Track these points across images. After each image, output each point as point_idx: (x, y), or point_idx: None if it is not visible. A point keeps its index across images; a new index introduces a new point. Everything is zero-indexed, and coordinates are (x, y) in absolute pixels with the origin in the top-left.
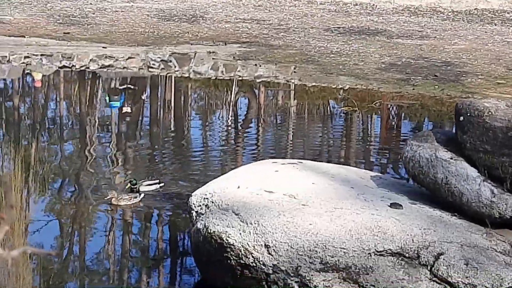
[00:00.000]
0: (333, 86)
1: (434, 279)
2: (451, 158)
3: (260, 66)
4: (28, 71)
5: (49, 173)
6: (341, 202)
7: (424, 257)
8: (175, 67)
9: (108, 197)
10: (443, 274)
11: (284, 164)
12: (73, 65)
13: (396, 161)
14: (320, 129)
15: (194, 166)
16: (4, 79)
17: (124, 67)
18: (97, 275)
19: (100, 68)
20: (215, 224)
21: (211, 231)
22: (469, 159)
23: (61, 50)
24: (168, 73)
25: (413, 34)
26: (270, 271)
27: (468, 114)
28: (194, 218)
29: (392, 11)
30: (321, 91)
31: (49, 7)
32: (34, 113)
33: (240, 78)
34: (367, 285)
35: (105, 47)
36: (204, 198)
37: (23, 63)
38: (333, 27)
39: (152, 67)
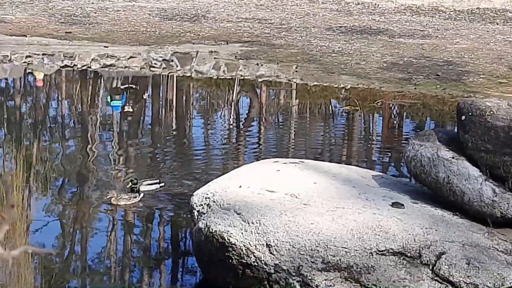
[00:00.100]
0: (335, 86)
1: (435, 278)
2: (453, 158)
3: (261, 65)
4: (30, 71)
5: (51, 172)
6: (343, 201)
7: (425, 257)
8: (177, 66)
9: (107, 196)
10: (444, 273)
11: (285, 163)
12: (74, 65)
13: (397, 160)
14: (321, 128)
15: (195, 165)
16: (6, 79)
17: (126, 67)
18: (98, 275)
19: (102, 67)
20: (216, 223)
21: (213, 231)
22: (471, 158)
23: (62, 49)
24: (170, 73)
25: (415, 33)
26: (272, 271)
27: (470, 114)
28: (196, 217)
29: (394, 10)
30: (322, 90)
31: (51, 6)
32: (35, 112)
33: (242, 78)
34: (368, 284)
35: (107, 47)
36: (205, 198)
37: (25, 62)
38: (335, 27)
39: (154, 67)
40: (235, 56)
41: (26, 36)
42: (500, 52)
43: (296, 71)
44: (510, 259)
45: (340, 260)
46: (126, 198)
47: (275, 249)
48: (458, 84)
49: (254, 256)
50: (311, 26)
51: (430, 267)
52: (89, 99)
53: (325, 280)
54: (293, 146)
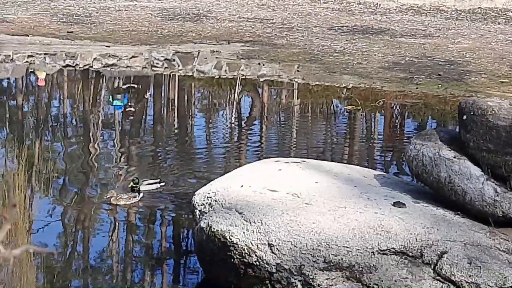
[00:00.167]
0: (337, 85)
1: (437, 278)
2: (455, 157)
3: (263, 65)
4: (32, 70)
5: (52, 172)
6: (345, 201)
7: (427, 256)
8: (178, 66)
9: (107, 196)
10: (446, 273)
11: (287, 163)
12: (76, 64)
13: (399, 160)
14: (323, 128)
15: (197, 164)
16: (8, 78)
17: (127, 66)
18: (100, 274)
19: (104, 67)
20: (218, 223)
21: (215, 230)
22: (473, 158)
23: (64, 49)
24: (171, 72)
25: (416, 33)
26: (274, 270)
27: (472, 113)
28: (198, 217)
29: (395, 10)
30: (324, 90)
31: (53, 6)
32: (37, 112)
33: (244, 77)
34: (370, 283)
35: (109, 46)
36: (207, 197)
37: (27, 62)
38: (337, 26)
39: (155, 66)
40: (237, 56)
41: (28, 36)
42: (502, 51)
43: (298, 70)
44: None
45: (341, 259)
46: (125, 198)
47: (276, 248)
48: (459, 84)
49: (256, 255)
50: (313, 25)
51: (432, 266)
52: (91, 98)
53: (327, 279)
54: (295, 146)
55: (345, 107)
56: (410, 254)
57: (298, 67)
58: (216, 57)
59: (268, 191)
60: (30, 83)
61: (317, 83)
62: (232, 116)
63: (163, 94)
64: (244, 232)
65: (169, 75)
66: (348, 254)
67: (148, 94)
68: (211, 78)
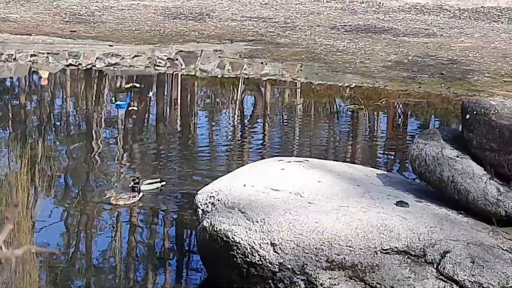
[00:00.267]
0: (340, 84)
1: (440, 277)
2: (457, 156)
3: (266, 64)
4: (35, 69)
5: (55, 171)
6: (347, 200)
7: (430, 255)
8: (181, 65)
9: (106, 196)
10: (449, 272)
11: (290, 162)
12: (79, 63)
13: (402, 159)
14: (326, 127)
15: (200, 164)
16: (11, 77)
17: (130, 65)
18: (103, 274)
19: (107, 66)
20: (221, 222)
21: (217, 229)
22: (475, 157)
23: (67, 48)
24: (174, 71)
25: (419, 32)
26: (276, 269)
27: (475, 112)
28: (200, 216)
29: (398, 9)
30: (327, 89)
31: (55, 5)
32: (40, 111)
33: (247, 76)
34: (373, 283)
35: (112, 45)
36: (210, 196)
37: (30, 61)
38: (340, 25)
39: (158, 65)
40: (240, 55)
41: (31, 35)
42: (505, 50)
43: (301, 69)
44: None
45: (344, 258)
46: (125, 198)
47: (279, 247)
48: (462, 83)
49: (259, 254)
50: (316, 25)
51: (435, 265)
52: (93, 97)
53: (330, 278)
54: (298, 145)
55: (348, 106)
56: (413, 253)
57: (301, 66)
58: (219, 56)
59: (270, 190)
60: (33, 83)
61: (320, 82)
62: (234, 115)
63: (166, 94)
64: (246, 232)
65: (172, 75)
66: (351, 254)
67: (151, 93)
68: (214, 77)
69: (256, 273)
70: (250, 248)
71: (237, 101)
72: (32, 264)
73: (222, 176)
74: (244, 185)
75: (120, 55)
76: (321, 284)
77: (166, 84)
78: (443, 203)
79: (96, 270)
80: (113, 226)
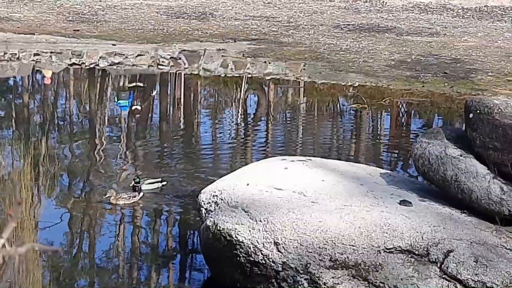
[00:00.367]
0: (343, 84)
1: (443, 276)
2: (461, 155)
3: (269, 63)
4: (38, 69)
5: (58, 170)
6: (351, 199)
7: (433, 255)
8: (184, 64)
9: (106, 195)
10: (452, 271)
11: (293, 161)
12: (82, 63)
13: (405, 158)
14: (329, 126)
15: (203, 163)
16: (14, 77)
17: (133, 65)
18: (106, 273)
19: (110, 65)
20: (224, 221)
21: (221, 229)
22: (479, 156)
23: (70, 47)
24: (177, 71)
25: (422, 31)
26: (280, 269)
27: (478, 111)
28: (204, 215)
29: (401, 8)
30: (330, 88)
31: (59, 4)
32: (43, 110)
33: (250, 75)
34: (376, 282)
35: (115, 45)
36: (213, 196)
37: (33, 60)
38: (343, 24)
39: (161, 65)
40: (243, 54)
41: (34, 34)
42: (508, 50)
43: (304, 69)
44: None
45: (348, 258)
46: (125, 197)
47: (282, 247)
48: (466, 82)
49: (262, 254)
50: (319, 24)
51: (438, 265)
52: (97, 97)
53: (333, 277)
54: (301, 144)
55: (351, 105)
56: (416, 252)
57: (304, 65)
58: (222, 56)
59: (274, 189)
60: (36, 82)
61: (323, 81)
62: (238, 114)
63: (169, 93)
64: (250, 231)
65: (175, 74)
66: (354, 253)
67: (154, 92)
68: (217, 76)
69: (259, 272)
70: (253, 247)
71: (240, 100)
72: (35, 263)
73: (225, 175)
74: (248, 184)
75: (123, 54)
76: (325, 283)
77: (169, 83)
78: (446, 202)
79: (99, 269)
80: (116, 225)
